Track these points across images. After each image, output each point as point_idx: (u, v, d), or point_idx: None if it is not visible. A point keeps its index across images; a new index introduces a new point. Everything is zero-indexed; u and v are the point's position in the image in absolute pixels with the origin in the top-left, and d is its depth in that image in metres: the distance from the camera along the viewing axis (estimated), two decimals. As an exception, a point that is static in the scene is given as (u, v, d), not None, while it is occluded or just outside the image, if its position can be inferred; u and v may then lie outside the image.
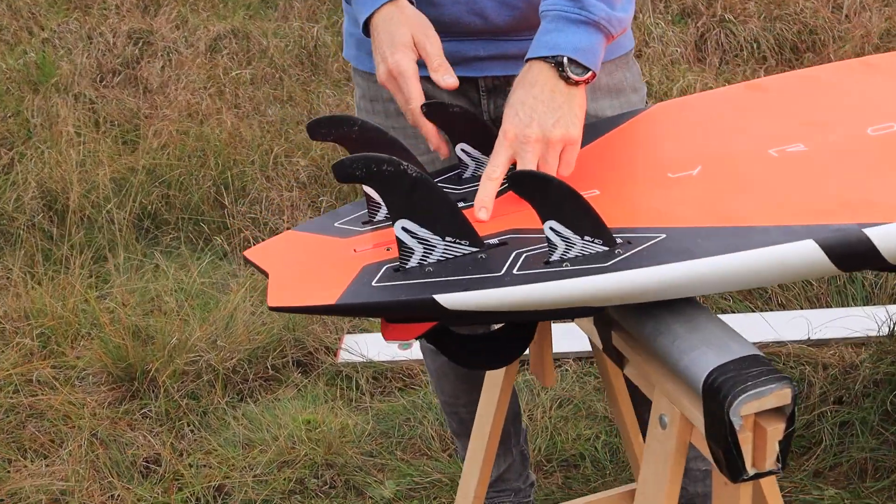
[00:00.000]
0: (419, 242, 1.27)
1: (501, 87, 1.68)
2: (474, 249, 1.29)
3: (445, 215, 1.27)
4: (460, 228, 1.28)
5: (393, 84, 1.46)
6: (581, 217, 1.25)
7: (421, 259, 1.28)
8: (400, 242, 1.27)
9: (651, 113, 1.66)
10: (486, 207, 1.32)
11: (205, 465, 2.49)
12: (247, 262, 1.36)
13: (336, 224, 1.42)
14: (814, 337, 2.68)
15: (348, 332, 3.02)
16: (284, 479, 2.42)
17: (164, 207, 3.66)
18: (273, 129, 4.12)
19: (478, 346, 1.40)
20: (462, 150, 1.50)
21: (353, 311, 1.24)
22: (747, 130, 1.55)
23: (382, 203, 1.41)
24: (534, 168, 1.35)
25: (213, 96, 4.40)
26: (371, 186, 1.23)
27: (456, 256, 1.29)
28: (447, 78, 1.44)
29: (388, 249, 1.34)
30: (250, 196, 3.68)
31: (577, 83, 1.40)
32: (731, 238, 1.27)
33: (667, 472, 1.33)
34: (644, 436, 1.98)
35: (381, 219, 1.42)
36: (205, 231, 3.56)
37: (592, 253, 1.27)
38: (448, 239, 1.28)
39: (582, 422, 2.54)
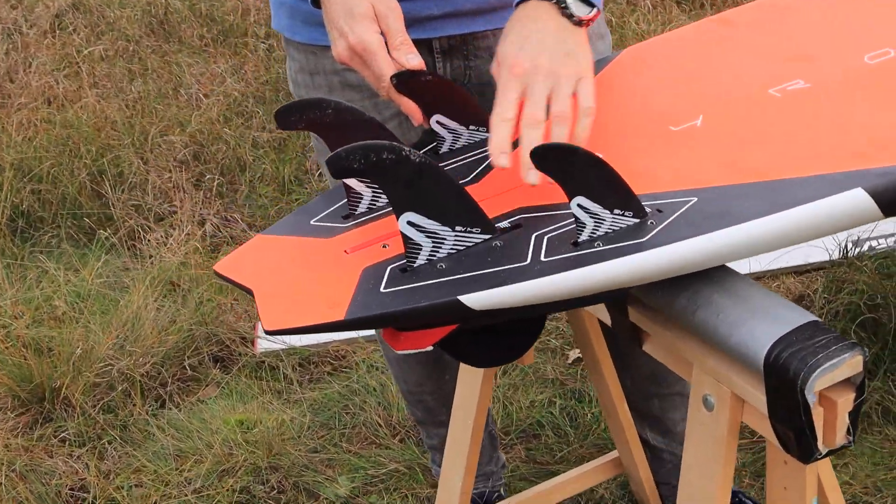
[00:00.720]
0: (427, 236, 1.11)
1: (458, 48, 1.51)
2: (487, 237, 1.13)
3: (454, 202, 1.11)
4: (471, 215, 1.12)
5: (358, 61, 1.29)
6: (610, 189, 1.11)
7: (430, 255, 1.12)
8: (406, 239, 1.11)
9: (621, 61, 1.51)
10: (505, 152, 1.18)
11: (137, 485, 2.28)
12: (221, 277, 1.17)
13: (312, 222, 1.24)
14: (754, 270, 2.61)
15: (262, 319, 2.82)
16: (228, 490, 2.23)
17: (38, 204, 3.37)
18: (140, 106, 3.85)
19: (490, 342, 1.24)
20: (438, 122, 1.33)
21: (366, 325, 1.07)
22: (736, 70, 1.42)
23: (364, 193, 1.24)
24: (543, 104, 1.20)
25: (69, 77, 4.08)
26: (371, 179, 1.06)
27: (468, 247, 1.13)
28: (411, 58, 1.27)
29: (384, 246, 1.17)
30: (129, 182, 3.42)
31: (580, 22, 1.24)
32: (769, 194, 1.14)
33: (719, 456, 1.21)
34: (631, 404, 1.88)
35: (363, 210, 1.24)
36: (86, 225, 3.29)
37: (624, 227, 1.12)
38: (458, 228, 1.12)
39: (532, 387, 2.41)
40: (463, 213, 1.11)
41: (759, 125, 1.28)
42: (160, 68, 4.19)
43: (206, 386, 2.60)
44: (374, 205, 1.25)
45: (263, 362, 2.66)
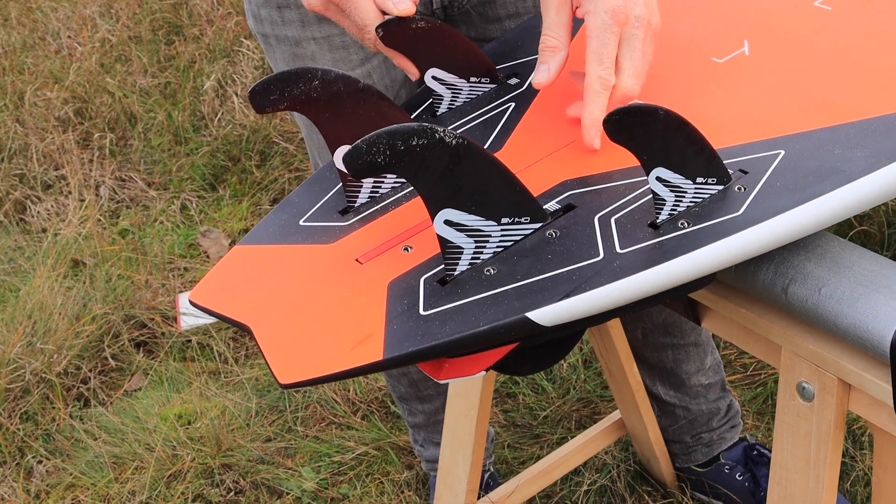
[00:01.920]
0: (468, 235, 0.87)
1: None
2: (538, 226, 0.90)
3: (500, 188, 0.86)
4: (520, 201, 0.88)
5: (334, 10, 1.04)
6: (693, 153, 0.88)
7: (473, 258, 0.88)
8: (443, 242, 0.86)
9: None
10: (600, 131, 0.96)
11: (74, 503, 2.01)
12: (203, 310, 0.91)
13: (302, 223, 0.99)
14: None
15: (181, 291, 2.55)
16: (179, 498, 1.97)
17: None
18: (8, 62, 3.46)
19: (540, 351, 1.01)
20: (434, 77, 1.08)
21: (410, 361, 0.83)
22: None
23: (364, 180, 0.98)
24: (637, 59, 0.98)
25: (-79, 37, 3.67)
26: (398, 173, 0.81)
27: (516, 242, 0.89)
28: (399, 2, 1.02)
29: (406, 250, 0.92)
30: (8, 149, 3.06)
31: None
32: (870, 139, 0.93)
33: (823, 454, 1.01)
34: (639, 358, 1.68)
35: (365, 201, 0.99)
36: (-36, 202, 2.94)
37: (708, 198, 0.90)
38: (504, 221, 0.88)
39: (498, 341, 2.19)
40: (510, 200, 0.88)
41: (818, 48, 1.07)
42: (22, 16, 3.79)
43: (132, 376, 2.32)
44: (378, 192, 1.00)
45: (191, 341, 2.39)
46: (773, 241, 0.87)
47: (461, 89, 1.09)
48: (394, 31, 1.02)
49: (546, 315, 0.82)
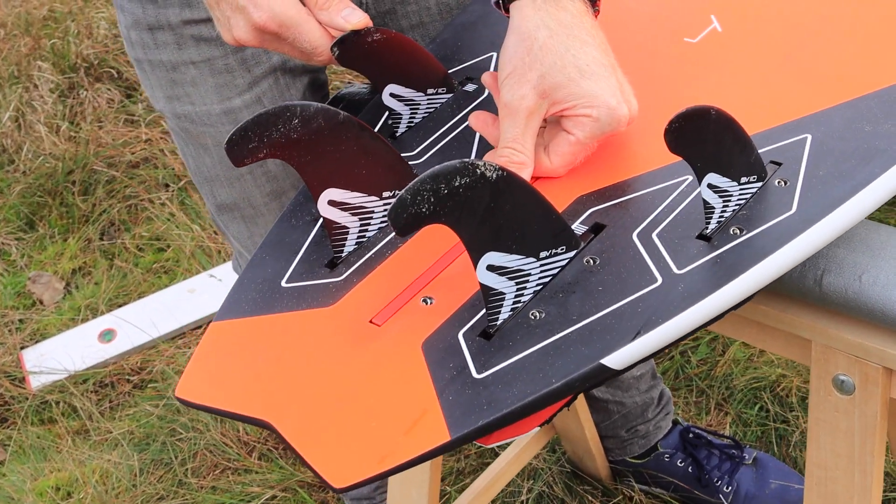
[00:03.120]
0: (509, 278, 0.75)
1: None
2: (573, 253, 0.79)
3: (538, 219, 0.75)
4: (557, 230, 0.77)
5: (272, 41, 0.90)
6: (739, 152, 0.79)
7: (515, 302, 0.76)
8: (486, 291, 0.74)
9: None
10: None
11: None
12: (200, 408, 0.76)
13: (285, 284, 0.84)
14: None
15: (23, 347, 2.32)
16: (77, 582, 1.77)
17: None
18: None
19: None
20: (391, 94, 0.95)
21: (482, 434, 0.71)
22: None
23: (349, 225, 0.85)
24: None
25: None
26: (442, 221, 0.69)
27: (554, 276, 0.78)
28: (348, 14, 0.89)
29: (425, 302, 0.79)
30: None
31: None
32: (896, 109, 0.86)
33: (870, 447, 0.95)
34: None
35: (353, 248, 0.86)
36: None
37: (750, 198, 0.81)
38: (543, 255, 0.77)
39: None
40: (548, 230, 0.77)
41: (794, 18, 1.00)
42: None
43: (-13, 451, 2.08)
44: (365, 236, 0.86)
45: (47, 401, 2.17)
46: (835, 235, 0.79)
47: (419, 104, 0.97)
48: (350, 47, 0.89)
49: (621, 358, 0.72)
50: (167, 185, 2.68)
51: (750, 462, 1.65)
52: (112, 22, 3.12)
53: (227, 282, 2.35)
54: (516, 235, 0.74)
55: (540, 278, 0.77)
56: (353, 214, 0.84)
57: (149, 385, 2.19)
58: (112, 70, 2.99)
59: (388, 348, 0.76)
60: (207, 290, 2.36)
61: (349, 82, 2.25)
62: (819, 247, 0.78)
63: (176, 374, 2.17)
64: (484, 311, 0.76)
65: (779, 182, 0.82)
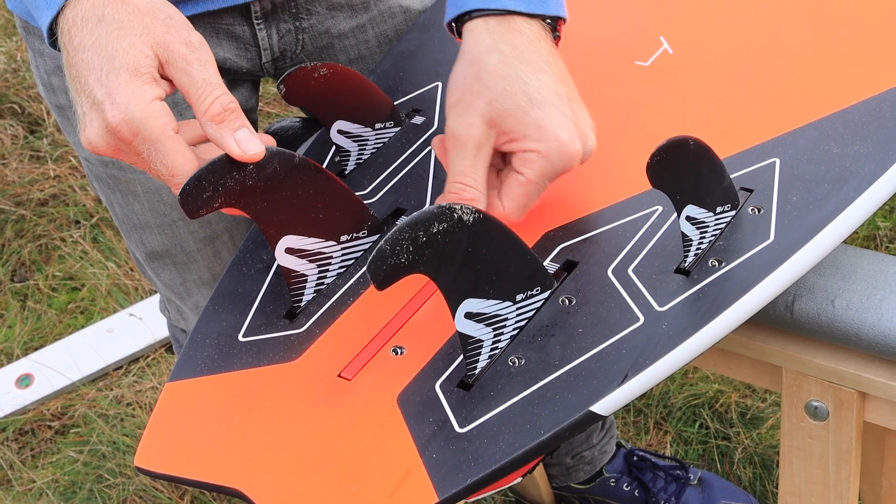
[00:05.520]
0: (487, 324, 0.71)
1: (284, 6, 1.06)
2: (548, 294, 0.76)
3: (514, 260, 0.72)
4: (532, 271, 0.74)
5: (128, 153, 0.76)
6: (715, 182, 0.76)
7: (492, 349, 0.72)
8: (465, 340, 0.71)
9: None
10: None
11: None
12: (162, 478, 0.71)
13: (242, 339, 0.79)
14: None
15: (-68, 398, 2.20)
16: None
17: None
18: None
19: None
20: (339, 131, 0.91)
21: (472, 492, 0.67)
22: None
23: (308, 274, 0.80)
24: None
25: None
26: (420, 271, 0.65)
27: (529, 318, 0.75)
28: (244, 140, 0.73)
29: (394, 352, 0.75)
30: None
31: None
32: (867, 131, 0.84)
33: (845, 471, 0.93)
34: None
35: (311, 296, 0.81)
36: None
37: (725, 227, 0.79)
38: (519, 297, 0.73)
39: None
40: (524, 271, 0.73)
41: (743, 38, 0.98)
42: None
43: None
44: (323, 283, 0.82)
45: (-37, 454, 2.06)
46: (815, 262, 0.77)
47: (367, 139, 0.93)
48: (296, 86, 0.85)
49: (610, 404, 0.69)
50: (78, 223, 2.59)
51: (695, 482, 1.63)
52: (9, 56, 3.02)
53: (146, 320, 2.27)
54: (493, 279, 0.70)
55: (516, 322, 0.74)
56: (311, 261, 0.80)
57: (71, 430, 2.10)
58: (14, 105, 2.89)
59: (361, 404, 0.72)
60: (127, 329, 2.28)
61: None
62: (800, 275, 0.76)
63: (99, 417, 2.08)
64: (459, 359, 0.72)
65: (752, 210, 0.79)
